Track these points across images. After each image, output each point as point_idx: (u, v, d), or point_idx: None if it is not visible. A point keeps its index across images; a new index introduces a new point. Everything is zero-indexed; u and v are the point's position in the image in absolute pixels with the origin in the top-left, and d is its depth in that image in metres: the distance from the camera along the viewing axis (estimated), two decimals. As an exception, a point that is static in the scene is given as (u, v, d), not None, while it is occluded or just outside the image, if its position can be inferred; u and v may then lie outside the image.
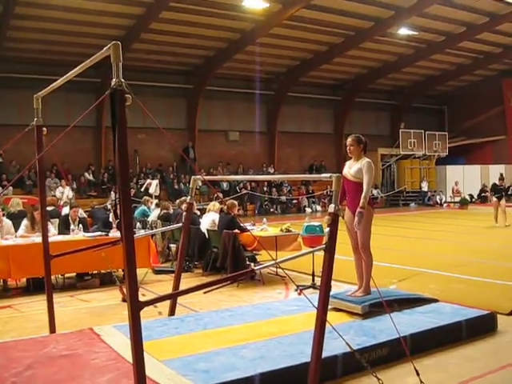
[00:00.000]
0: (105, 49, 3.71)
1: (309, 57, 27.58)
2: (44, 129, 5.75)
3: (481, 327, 6.31)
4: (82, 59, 4.43)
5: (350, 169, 6.70)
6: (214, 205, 11.69)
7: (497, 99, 33.93)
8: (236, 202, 11.82)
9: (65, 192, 20.18)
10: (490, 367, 5.24)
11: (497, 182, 18.64)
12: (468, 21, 25.24)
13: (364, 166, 6.55)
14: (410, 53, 28.48)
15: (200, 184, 23.10)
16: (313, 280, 8.93)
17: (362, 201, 6.26)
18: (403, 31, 24.89)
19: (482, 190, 31.47)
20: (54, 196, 18.95)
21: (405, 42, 26.63)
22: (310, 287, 8.77)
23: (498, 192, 18.24)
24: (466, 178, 32.84)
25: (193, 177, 6.81)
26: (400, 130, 31.75)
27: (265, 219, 11.64)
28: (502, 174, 19.16)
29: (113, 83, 3.52)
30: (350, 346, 4.58)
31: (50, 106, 15.73)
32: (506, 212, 17.86)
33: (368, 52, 27.33)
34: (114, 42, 3.61)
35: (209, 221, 11.04)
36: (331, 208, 4.46)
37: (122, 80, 3.53)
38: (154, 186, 17.97)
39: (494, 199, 18.30)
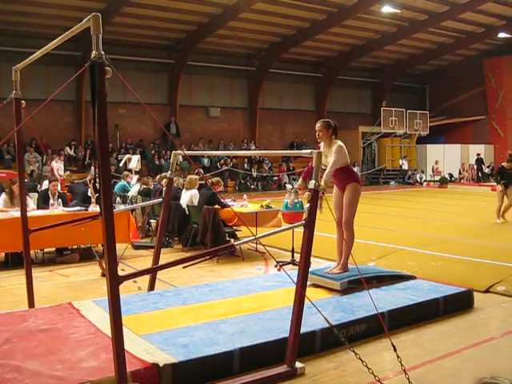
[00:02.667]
0: (84, 20, 3.65)
1: (291, 33, 27.38)
2: (23, 102, 5.68)
3: (458, 304, 6.39)
4: (61, 32, 4.36)
5: (327, 158, 6.50)
6: (190, 182, 11.19)
7: (478, 79, 34.11)
8: (221, 181, 11.78)
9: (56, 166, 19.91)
10: (465, 343, 5.32)
11: (505, 165, 14.05)
12: (451, 0, 25.20)
13: (333, 149, 6.46)
14: (392, 31, 28.45)
15: (181, 159, 23.01)
16: (292, 256, 8.96)
17: (321, 179, 4.72)
18: (386, 9, 24.78)
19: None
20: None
21: (388, 19, 26.58)
22: (289, 263, 8.76)
23: (509, 178, 13.74)
24: (446, 157, 33.04)
25: (173, 152, 6.78)
26: (381, 108, 31.77)
27: (245, 195, 11.64)
28: (511, 155, 14.14)
29: (92, 55, 3.48)
30: (328, 322, 4.62)
31: (29, 80, 15.54)
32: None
33: (350, 29, 27.22)
34: (93, 13, 3.56)
35: (187, 197, 10.98)
36: (311, 184, 4.48)
37: (102, 52, 3.49)
38: (135, 161, 17.86)
39: (500, 187, 13.82)
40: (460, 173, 32.56)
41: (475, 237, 11.58)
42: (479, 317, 6.24)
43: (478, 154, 32.89)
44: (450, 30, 28.71)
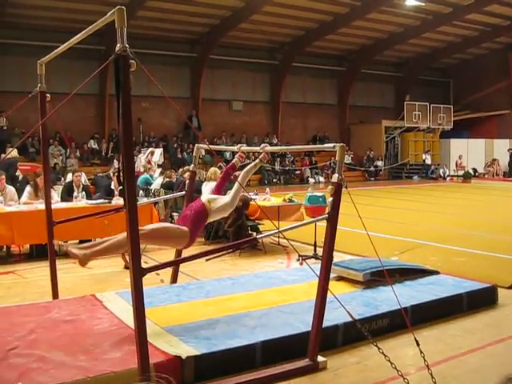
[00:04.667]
0: (109, 14, 3.67)
1: (314, 26, 27.23)
2: (47, 95, 5.73)
3: (481, 300, 6.34)
4: (86, 26, 4.39)
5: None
6: (215, 172, 11.12)
7: (503, 73, 33.57)
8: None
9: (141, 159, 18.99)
10: (489, 339, 5.28)
11: None
12: (476, -8, 24.91)
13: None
14: (416, 24, 28.09)
15: (203, 153, 23.05)
16: (315, 250, 8.96)
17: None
18: (410, 2, 24.51)
19: None
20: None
21: (411, 13, 26.27)
22: (312, 257, 8.79)
23: None
24: (470, 151, 32.70)
25: (196, 145, 6.80)
26: (405, 103, 31.50)
27: (268, 189, 11.64)
28: None
29: (117, 49, 3.50)
30: (351, 315, 4.60)
31: (53, 74, 15.59)
32: None
33: (374, 23, 26.96)
34: (118, 6, 3.57)
35: (209, 190, 10.93)
36: (334, 178, 4.46)
37: (127, 45, 3.50)
38: (157, 154, 17.93)
39: None
40: (485, 167, 32.24)
41: (499, 232, 11.46)
42: (503, 313, 6.18)
43: (511, 149, 32.47)
44: (474, 22, 28.31)
